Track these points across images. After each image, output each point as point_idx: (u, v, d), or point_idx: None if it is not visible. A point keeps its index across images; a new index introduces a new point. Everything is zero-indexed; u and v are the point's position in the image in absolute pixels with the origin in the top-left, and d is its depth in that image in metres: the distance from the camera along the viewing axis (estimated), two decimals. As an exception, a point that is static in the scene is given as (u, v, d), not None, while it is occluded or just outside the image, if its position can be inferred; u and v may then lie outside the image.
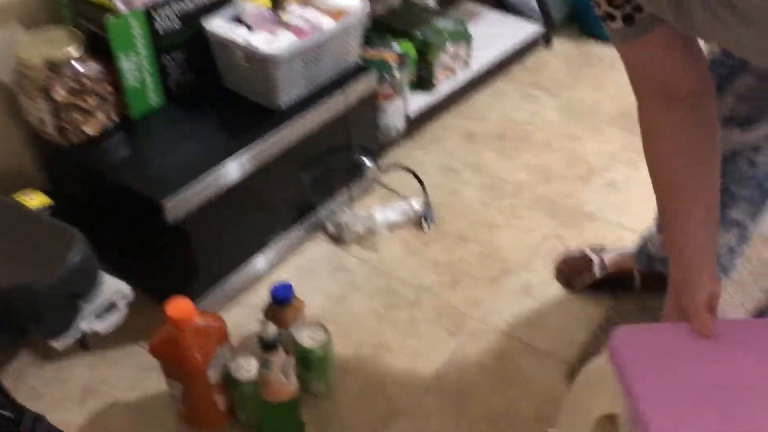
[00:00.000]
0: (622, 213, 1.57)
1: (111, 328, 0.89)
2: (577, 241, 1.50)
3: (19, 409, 0.93)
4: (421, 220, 1.55)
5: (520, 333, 1.32)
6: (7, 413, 0.92)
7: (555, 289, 1.40)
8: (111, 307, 0.89)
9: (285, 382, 1.04)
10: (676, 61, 0.83)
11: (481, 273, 1.44)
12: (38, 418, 0.95)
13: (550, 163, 1.72)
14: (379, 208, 1.55)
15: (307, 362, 1.18)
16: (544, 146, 1.77)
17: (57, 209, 1.22)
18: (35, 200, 1.20)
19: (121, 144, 1.27)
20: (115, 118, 1.28)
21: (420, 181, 1.64)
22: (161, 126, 1.31)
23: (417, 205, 1.56)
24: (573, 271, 1.41)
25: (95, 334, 0.89)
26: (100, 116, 1.24)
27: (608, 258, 1.39)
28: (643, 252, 1.33)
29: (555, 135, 1.80)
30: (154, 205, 1.14)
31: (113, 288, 0.88)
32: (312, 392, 1.22)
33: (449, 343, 1.31)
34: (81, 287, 0.84)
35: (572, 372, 1.24)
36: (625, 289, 1.37)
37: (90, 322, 0.86)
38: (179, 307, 1.04)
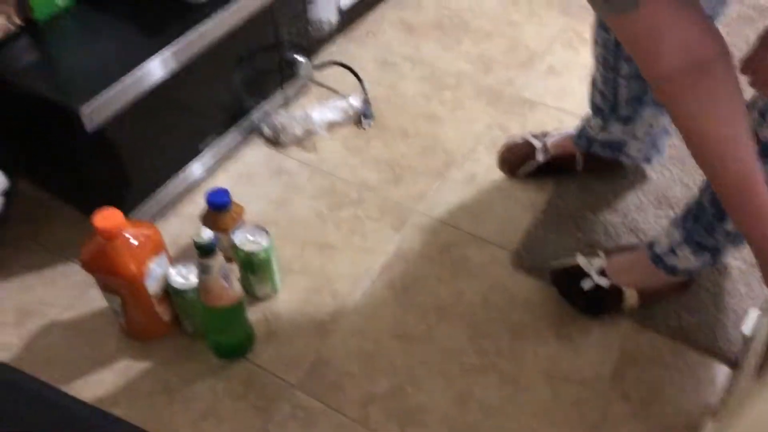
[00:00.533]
0: (563, 98, 1.55)
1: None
2: (519, 128, 1.48)
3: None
4: (360, 118, 1.51)
5: (464, 223, 1.31)
6: None
7: (499, 178, 1.39)
8: None
9: (225, 287, 1.02)
10: (694, 19, 0.73)
11: (425, 167, 1.42)
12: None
13: (490, 50, 1.67)
14: (316, 108, 1.49)
15: (250, 266, 1.15)
16: (483, 34, 1.72)
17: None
18: (-62, 116, 1.10)
19: (27, 49, 1.17)
20: (17, 21, 1.17)
21: (357, 77, 1.58)
22: (70, 28, 1.21)
23: (355, 102, 1.51)
24: (516, 159, 1.39)
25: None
26: (1, 20, 1.14)
27: (550, 142, 1.38)
28: (583, 135, 1.32)
29: (494, 22, 1.75)
30: (69, 113, 1.06)
31: None
32: (258, 296, 1.20)
33: (394, 237, 1.30)
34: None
35: (518, 258, 1.25)
36: (567, 173, 1.37)
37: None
38: (106, 217, 0.99)
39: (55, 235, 1.30)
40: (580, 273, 1.17)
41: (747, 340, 1.10)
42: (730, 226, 1.00)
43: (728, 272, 1.21)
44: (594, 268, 1.16)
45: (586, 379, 1.10)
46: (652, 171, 1.38)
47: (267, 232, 1.15)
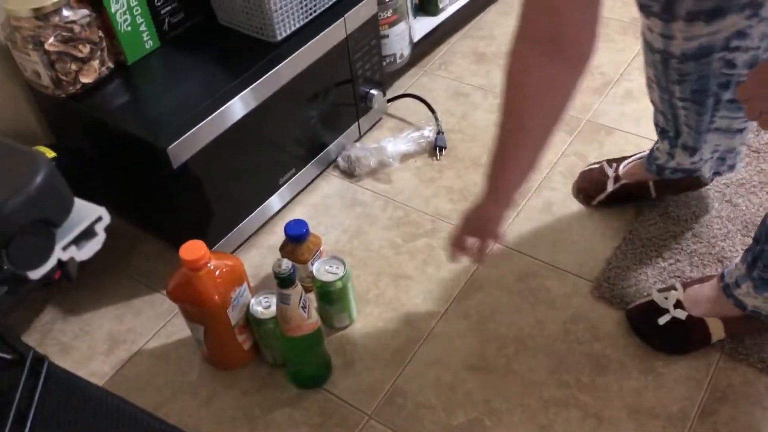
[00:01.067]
0: (641, 123, 1.52)
1: (90, 255, 0.86)
2: (596, 155, 1.46)
3: (20, 351, 0.93)
4: (433, 148, 1.52)
5: (542, 253, 1.29)
6: (7, 356, 0.91)
7: (576, 207, 1.37)
8: (88, 233, 0.85)
9: (304, 317, 1.03)
10: (577, 12, 0.78)
11: (499, 196, 1.41)
12: (39, 358, 0.95)
13: (564, 78, 1.65)
14: (389, 140, 1.51)
15: (327, 296, 1.17)
16: (556, 62, 1.70)
17: (62, 163, 1.20)
18: (39, 155, 1.18)
19: (118, 90, 1.24)
20: (110, 64, 1.24)
21: (430, 108, 1.60)
22: (158, 69, 1.28)
23: (428, 133, 1.52)
24: (590, 188, 1.37)
25: (81, 266, 0.85)
26: (95, 64, 1.21)
27: (623, 171, 1.34)
28: (653, 162, 1.28)
29: (567, 49, 1.73)
30: (157, 151, 1.12)
31: (88, 212, 0.84)
32: (335, 326, 1.21)
33: (470, 267, 1.29)
34: (50, 211, 0.80)
35: (599, 289, 1.22)
36: (642, 199, 1.33)
37: (66, 249, 0.82)
38: (192, 249, 1.03)
39: (142, 267, 1.36)
40: (657, 309, 1.12)
41: None
42: None
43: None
44: (670, 302, 1.12)
45: (673, 415, 1.05)
46: (740, 198, 1.33)
47: (344, 262, 1.16)
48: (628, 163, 1.35)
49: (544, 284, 1.24)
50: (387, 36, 1.56)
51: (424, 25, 1.73)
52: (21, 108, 1.33)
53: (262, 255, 1.35)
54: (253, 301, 1.11)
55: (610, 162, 1.38)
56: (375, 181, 1.47)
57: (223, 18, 1.33)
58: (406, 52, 1.64)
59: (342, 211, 1.42)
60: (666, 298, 1.13)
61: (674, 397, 1.07)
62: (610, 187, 1.34)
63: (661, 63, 1.06)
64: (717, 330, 1.10)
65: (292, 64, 1.28)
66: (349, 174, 1.49)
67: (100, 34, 1.20)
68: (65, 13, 1.15)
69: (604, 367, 1.12)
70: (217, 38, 1.32)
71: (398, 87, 1.67)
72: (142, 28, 1.26)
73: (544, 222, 1.35)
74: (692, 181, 1.30)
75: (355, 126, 1.54)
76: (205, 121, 1.16)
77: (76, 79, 1.20)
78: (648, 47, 1.08)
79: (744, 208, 1.31)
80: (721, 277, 1.10)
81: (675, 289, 1.14)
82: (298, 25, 1.30)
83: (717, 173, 1.26)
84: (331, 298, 1.17)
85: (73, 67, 1.18)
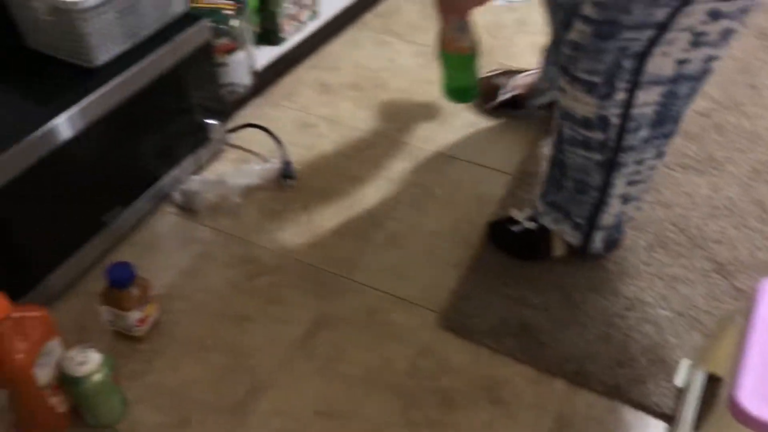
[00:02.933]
0: (483, 152, 1.54)
1: None
2: (440, 183, 1.45)
3: None
4: (280, 179, 1.45)
5: (389, 285, 1.26)
6: None
7: (422, 237, 1.35)
8: None
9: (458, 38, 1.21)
10: None
11: (346, 229, 1.36)
12: None
13: (409, 109, 1.66)
14: (231, 172, 1.43)
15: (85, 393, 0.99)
16: (401, 93, 1.70)
17: None
18: None
19: None
20: None
21: (275, 138, 1.53)
22: (-48, 97, 1.12)
23: (272, 164, 1.45)
24: (485, 94, 1.59)
25: None
26: None
27: (516, 82, 1.58)
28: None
29: (411, 81, 1.74)
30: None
31: None
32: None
33: (314, 305, 1.22)
34: None
35: (446, 320, 1.19)
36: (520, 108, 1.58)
37: None
38: (-14, 302, 0.89)
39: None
40: (511, 221, 1.29)
41: (681, 393, 1.07)
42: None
43: (657, 322, 1.19)
44: (523, 215, 1.29)
45: (522, 446, 1.04)
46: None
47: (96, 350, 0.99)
48: (522, 77, 1.59)
49: (391, 318, 1.20)
50: (226, 64, 1.49)
51: (266, 55, 1.68)
52: None
53: (86, 304, 1.21)
54: (65, 357, 0.98)
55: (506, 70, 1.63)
56: (215, 217, 1.38)
57: (32, 41, 1.20)
58: (248, 81, 1.57)
59: (178, 250, 1.32)
60: (521, 212, 1.29)
61: (524, 426, 1.06)
62: (504, 94, 1.58)
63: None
64: (559, 244, 1.26)
65: (113, 91, 1.17)
66: (186, 209, 1.39)
67: None
68: None
69: (454, 401, 1.09)
70: (25, 63, 1.19)
71: (242, 117, 1.60)
72: (-68, 49, 1.10)
73: (391, 253, 1.31)
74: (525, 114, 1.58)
75: (192, 158, 1.44)
76: (9, 151, 1.02)
77: None
78: None
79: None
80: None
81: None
82: (119, 50, 1.20)
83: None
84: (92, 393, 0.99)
85: None
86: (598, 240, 1.23)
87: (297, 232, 1.35)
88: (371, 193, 1.43)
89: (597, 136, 1.06)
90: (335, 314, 1.21)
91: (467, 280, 1.25)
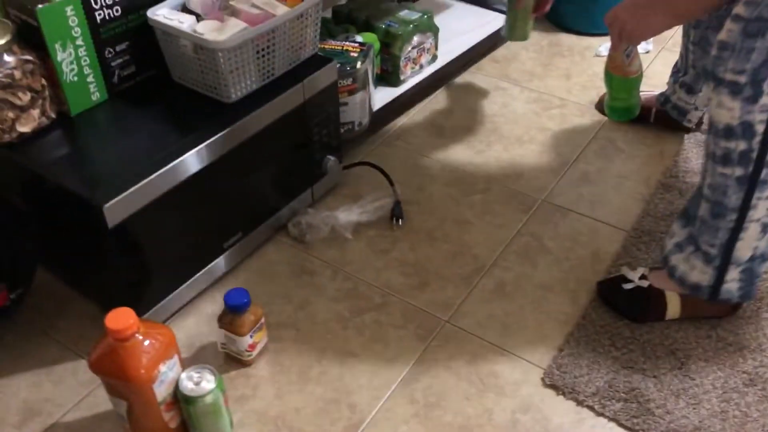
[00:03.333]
0: (595, 206, 1.51)
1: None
2: (552, 235, 1.44)
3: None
4: (388, 219, 1.48)
5: (494, 336, 1.25)
6: None
7: (530, 289, 1.33)
8: None
9: (625, 63, 1.33)
10: None
11: (452, 272, 1.37)
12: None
13: (521, 156, 1.65)
14: (343, 207, 1.47)
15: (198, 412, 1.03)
16: (514, 139, 1.70)
17: (-11, 215, 1.12)
18: (-37, 206, 1.10)
19: (58, 142, 1.17)
20: (51, 114, 1.18)
21: (387, 177, 1.56)
22: (102, 123, 1.22)
23: (384, 203, 1.48)
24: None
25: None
26: (35, 113, 1.15)
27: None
28: (664, 93, 1.65)
29: (525, 127, 1.74)
30: (92, 208, 1.05)
31: None
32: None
33: (418, 347, 1.23)
34: None
35: (550, 377, 1.17)
36: (643, 121, 1.67)
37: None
38: (119, 317, 0.95)
39: (69, 329, 1.26)
40: (623, 280, 1.27)
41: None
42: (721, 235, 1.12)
43: None
44: (636, 275, 1.27)
45: None
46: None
47: (214, 372, 1.03)
48: (643, 92, 1.57)
49: (494, 369, 1.19)
50: (346, 104, 1.54)
51: (384, 95, 1.72)
52: (-50, 154, 1.25)
53: (198, 324, 1.27)
54: (183, 376, 1.03)
55: None
56: (326, 250, 1.42)
57: (177, 75, 1.29)
58: (365, 120, 1.62)
59: (289, 279, 1.36)
60: (634, 272, 1.27)
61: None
62: None
63: None
64: (673, 306, 1.23)
65: (245, 126, 1.24)
66: (300, 241, 1.44)
67: (43, 82, 1.15)
68: (6, 58, 1.09)
69: (554, 462, 1.06)
70: (169, 95, 1.28)
71: (355, 154, 1.64)
72: (90, 79, 1.20)
73: (497, 303, 1.31)
74: (680, 124, 1.66)
75: (308, 192, 1.49)
76: (148, 179, 1.10)
77: (13, 128, 1.13)
78: None
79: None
80: (664, 257, 1.24)
81: (642, 267, 1.29)
82: (254, 87, 1.27)
83: (700, 123, 1.64)
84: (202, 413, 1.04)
85: (11, 114, 1.12)
86: (731, 280, 1.16)
87: (403, 272, 1.37)
88: (480, 239, 1.43)
89: (739, 146, 1.04)
90: (437, 359, 1.21)
91: (574, 338, 1.23)
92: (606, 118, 1.75)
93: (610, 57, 1.33)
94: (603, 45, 2.02)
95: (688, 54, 1.51)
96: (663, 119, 1.68)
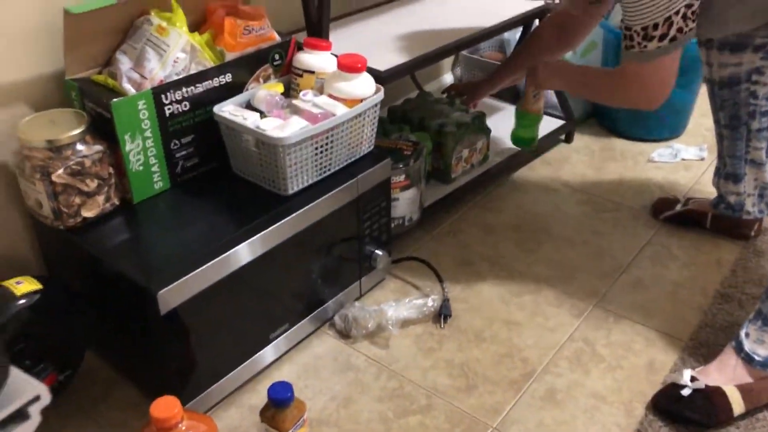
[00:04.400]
0: (650, 314, 1.46)
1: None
2: (604, 342, 1.39)
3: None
4: (436, 316, 1.46)
5: (542, 445, 1.19)
6: None
7: (582, 398, 1.28)
8: (21, 414, 0.70)
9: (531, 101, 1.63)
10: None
11: (500, 376, 1.33)
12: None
13: (572, 258, 1.63)
14: (391, 303, 1.46)
15: None
16: (565, 240, 1.69)
17: (47, 295, 1.15)
18: (24, 286, 1.13)
19: (119, 228, 1.21)
20: (115, 201, 1.22)
21: (437, 274, 1.56)
22: (162, 211, 1.26)
23: (432, 301, 1.47)
24: (662, 205, 1.73)
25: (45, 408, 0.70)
26: (100, 199, 1.19)
27: (691, 202, 1.70)
28: (716, 197, 1.62)
29: (576, 229, 1.72)
30: (146, 294, 1.06)
31: (25, 389, 0.69)
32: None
33: (464, 454, 1.18)
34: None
35: (602, 493, 1.10)
36: (699, 226, 1.68)
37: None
38: (164, 406, 0.94)
39: (111, 415, 1.26)
40: (677, 386, 1.23)
41: None
42: None
43: None
44: (685, 378, 1.23)
45: None
46: None
47: None
48: (697, 200, 1.72)
49: (544, 483, 1.13)
50: (397, 199, 1.56)
51: (435, 192, 1.74)
52: (18, 235, 1.30)
53: (241, 415, 1.25)
54: (222, 471, 1.01)
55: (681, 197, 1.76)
56: (371, 345, 1.40)
57: (237, 167, 1.33)
58: (416, 216, 1.63)
59: (333, 374, 1.34)
60: (681, 376, 1.24)
61: None
62: (678, 207, 1.70)
63: (709, 93, 1.45)
64: (736, 400, 1.19)
65: (299, 219, 1.26)
66: (345, 335, 1.42)
67: (110, 170, 1.20)
68: (79, 147, 1.15)
69: None
70: (228, 186, 1.31)
71: (405, 249, 1.65)
72: (154, 168, 1.25)
73: (548, 411, 1.26)
74: (740, 224, 1.63)
75: (356, 284, 1.49)
76: (203, 267, 1.11)
77: (78, 213, 1.17)
78: (705, 82, 1.46)
79: None
80: (737, 343, 1.23)
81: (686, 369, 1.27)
82: (310, 182, 1.30)
83: (761, 212, 1.53)
84: None
85: (77, 200, 1.16)
86: None
87: (450, 373, 1.33)
88: (530, 342, 1.40)
89: None
90: (483, 468, 1.16)
91: (630, 453, 1.16)
92: (661, 224, 1.73)
93: (524, 97, 1.63)
94: (657, 151, 2.02)
95: (722, 142, 1.51)
96: (720, 224, 1.66)
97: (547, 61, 1.57)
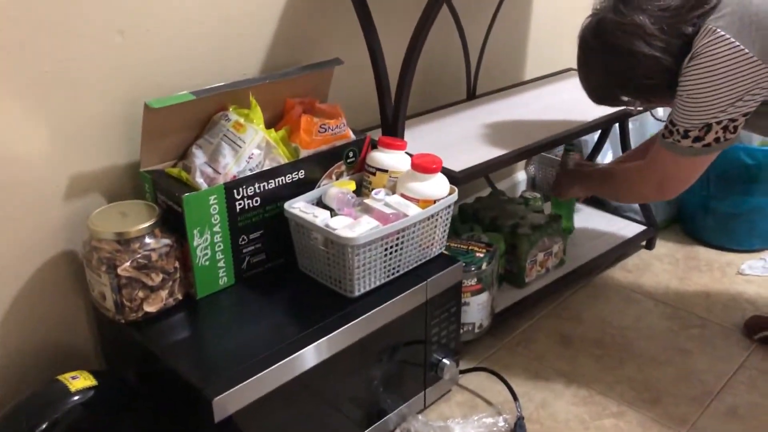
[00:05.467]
0: (752, 449, 1.31)
1: None
2: (696, 480, 1.24)
3: None
4: (508, 437, 1.34)
5: None
6: None
7: None
8: None
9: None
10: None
11: None
12: None
13: (657, 378, 1.49)
14: (458, 421, 1.35)
15: None
16: (649, 358, 1.55)
17: (101, 392, 1.10)
18: (79, 381, 1.09)
19: (180, 325, 1.17)
20: (179, 296, 1.19)
21: (510, 389, 1.44)
22: (227, 307, 1.21)
23: (504, 419, 1.35)
24: (756, 324, 1.60)
25: None
26: (163, 294, 1.16)
27: None
28: None
29: (661, 346, 1.59)
30: (201, 399, 1.00)
31: None
32: None
33: None
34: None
35: None
36: None
37: None
38: None
39: None
40: None
41: None
42: None
43: None
44: None
45: None
46: None
47: None
48: None
49: None
50: (468, 303, 1.48)
51: (507, 297, 1.65)
52: (80, 326, 1.28)
53: None
54: None
55: None
56: (434, 465, 1.29)
57: (304, 265, 1.29)
58: (486, 322, 1.54)
59: (392, 495, 1.23)
60: None
61: None
62: None
63: None
64: None
65: (365, 323, 1.19)
66: (407, 451, 1.32)
67: (176, 264, 1.17)
68: (147, 240, 1.13)
69: None
70: (294, 284, 1.27)
71: (473, 359, 1.55)
72: (221, 264, 1.22)
73: None
74: None
75: (420, 395, 1.39)
76: (264, 372, 1.05)
77: (140, 307, 1.14)
78: None
79: None
80: None
81: None
82: (378, 283, 1.24)
83: None
84: None
85: (140, 294, 1.13)
86: None
87: (521, 504, 1.21)
88: (611, 474, 1.26)
89: None
90: None
91: None
92: (756, 346, 1.58)
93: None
94: (747, 263, 1.88)
95: None
96: None
97: (568, 170, 1.62)
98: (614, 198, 1.69)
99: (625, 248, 1.89)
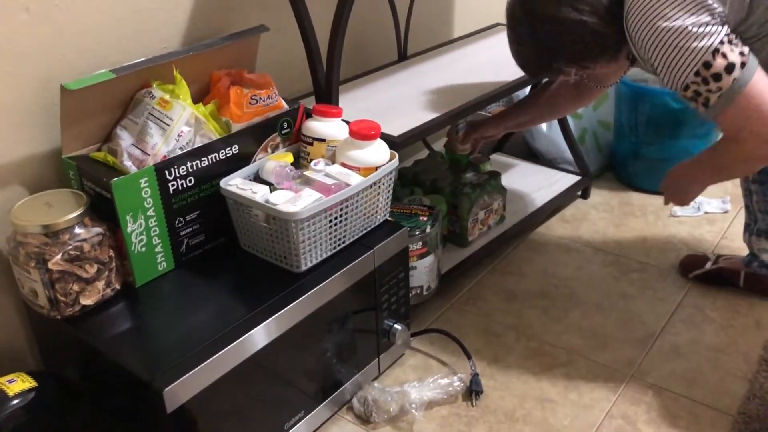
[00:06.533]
0: (691, 385, 1.36)
1: None
2: (645, 418, 1.29)
3: None
4: (465, 394, 1.35)
5: None
6: None
7: (627, 483, 1.17)
8: None
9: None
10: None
11: (536, 461, 1.22)
12: None
13: (602, 324, 1.53)
14: (414, 384, 1.35)
15: None
16: (593, 305, 1.59)
17: (41, 393, 1.05)
18: (17, 385, 1.03)
19: (120, 315, 1.12)
20: (116, 286, 1.14)
21: (463, 348, 1.46)
22: (168, 293, 1.17)
23: (458, 378, 1.36)
24: (691, 263, 1.65)
25: None
26: (100, 285, 1.11)
27: (722, 260, 1.62)
28: (748, 255, 1.56)
29: (604, 292, 1.63)
30: (150, 391, 0.97)
31: None
32: None
33: None
34: None
35: None
36: (731, 286, 1.60)
37: None
38: None
39: None
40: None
41: None
42: None
43: None
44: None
45: None
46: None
47: None
48: (728, 257, 1.63)
49: None
50: (415, 267, 1.48)
51: (452, 257, 1.66)
52: (12, 327, 1.21)
53: None
54: None
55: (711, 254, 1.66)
56: (393, 430, 1.29)
57: (245, 243, 1.25)
58: (433, 285, 1.54)
59: (354, 465, 1.23)
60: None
61: None
62: (708, 266, 1.62)
63: None
64: None
65: (314, 297, 1.17)
66: (365, 420, 1.32)
67: (111, 253, 1.11)
68: (77, 231, 1.07)
69: None
70: (237, 264, 1.23)
71: (423, 321, 1.55)
72: (158, 249, 1.17)
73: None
74: None
75: (374, 363, 1.39)
76: (214, 357, 1.02)
77: (76, 301, 1.09)
78: None
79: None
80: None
81: None
82: (324, 256, 1.22)
83: None
84: None
85: (75, 287, 1.08)
86: None
87: (482, 460, 1.23)
88: (566, 422, 1.29)
89: None
90: None
91: None
92: (691, 284, 1.64)
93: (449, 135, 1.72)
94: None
95: (752, 197, 1.48)
96: (754, 283, 1.58)
97: (671, 170, 1.36)
98: (731, 176, 1.30)
99: (561, 199, 1.92)
